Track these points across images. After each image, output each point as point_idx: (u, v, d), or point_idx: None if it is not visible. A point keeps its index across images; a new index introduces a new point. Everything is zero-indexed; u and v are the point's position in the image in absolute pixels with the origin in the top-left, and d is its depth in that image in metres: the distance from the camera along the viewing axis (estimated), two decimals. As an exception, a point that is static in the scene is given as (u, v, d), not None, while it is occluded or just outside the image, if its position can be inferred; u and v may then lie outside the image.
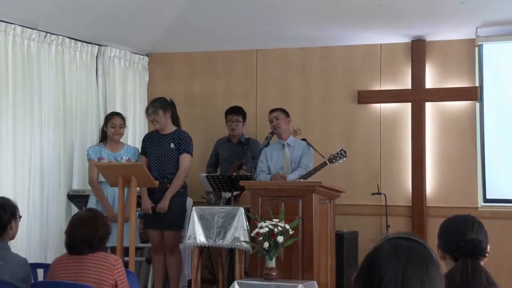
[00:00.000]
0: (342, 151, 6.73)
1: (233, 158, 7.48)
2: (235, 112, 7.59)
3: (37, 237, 6.84)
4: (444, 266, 2.89)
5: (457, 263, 2.87)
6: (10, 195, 5.70)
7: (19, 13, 6.54)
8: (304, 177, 6.61)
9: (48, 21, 6.89)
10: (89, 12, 6.88)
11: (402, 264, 1.77)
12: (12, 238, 4.50)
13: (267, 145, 6.83)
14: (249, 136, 7.78)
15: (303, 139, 7.01)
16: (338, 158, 6.70)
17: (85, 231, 4.22)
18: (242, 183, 6.46)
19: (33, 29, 6.84)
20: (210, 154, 7.72)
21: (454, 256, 2.90)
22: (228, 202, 6.91)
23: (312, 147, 6.89)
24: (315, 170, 6.68)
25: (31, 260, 4.85)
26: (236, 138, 7.59)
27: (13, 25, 6.61)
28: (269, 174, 6.82)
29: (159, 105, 6.85)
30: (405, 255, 1.79)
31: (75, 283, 4.05)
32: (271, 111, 7.04)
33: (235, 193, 6.83)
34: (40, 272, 4.97)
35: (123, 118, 7.05)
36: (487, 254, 2.94)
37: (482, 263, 2.89)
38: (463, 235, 2.91)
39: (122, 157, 6.89)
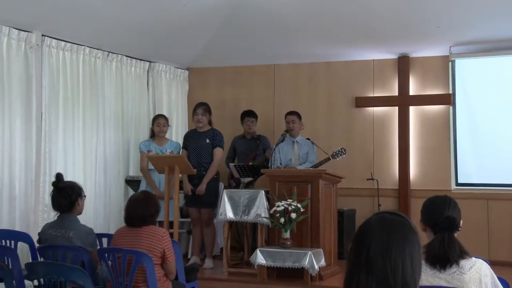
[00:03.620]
0: (343, 149, 6.70)
1: (248, 151, 7.47)
2: (250, 114, 7.59)
3: (102, 213, 6.89)
4: (425, 237, 2.87)
5: (436, 235, 2.85)
6: (80, 180, 5.78)
7: (88, 37, 6.59)
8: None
9: (110, 43, 6.93)
10: (142, 36, 6.91)
11: (386, 232, 1.76)
12: (80, 213, 4.51)
13: (282, 140, 6.82)
14: (268, 133, 7.78)
15: (308, 139, 7.00)
16: (339, 155, 6.68)
17: (139, 208, 4.24)
18: (263, 171, 6.46)
19: (98, 49, 6.89)
20: (229, 149, 7.68)
21: (433, 230, 2.89)
22: (246, 186, 6.92)
23: (316, 145, 6.89)
24: (320, 163, 6.67)
25: (97, 231, 4.88)
26: (250, 135, 7.58)
27: (83, 47, 6.65)
28: (280, 164, 6.82)
29: (207, 108, 6.89)
30: (388, 225, 1.78)
31: (132, 249, 4.08)
32: (289, 114, 7.01)
33: (249, 179, 6.84)
34: (104, 240, 5.01)
35: (166, 119, 7.07)
36: (460, 228, 2.92)
37: (456, 235, 2.87)
38: (441, 212, 2.89)
39: (166, 150, 6.91)
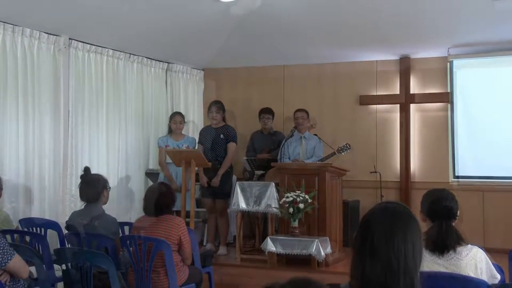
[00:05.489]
0: (347, 144, 6.68)
1: (264, 145, 7.48)
2: (266, 111, 7.58)
3: (124, 203, 6.92)
4: (425, 227, 2.88)
5: (434, 223, 2.86)
6: (104, 172, 5.82)
7: (111, 40, 6.62)
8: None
9: (131, 45, 6.96)
10: (160, 39, 6.93)
11: (389, 220, 1.78)
12: (105, 203, 4.55)
13: (291, 136, 6.82)
14: (278, 129, 7.78)
15: (315, 134, 6.98)
16: (344, 150, 6.66)
17: (156, 199, 4.26)
18: (273, 164, 6.47)
19: (120, 51, 6.91)
20: (248, 143, 7.70)
21: (432, 219, 2.89)
22: (259, 178, 6.93)
23: (323, 140, 6.87)
24: (327, 157, 6.66)
25: (119, 219, 4.91)
26: (267, 130, 7.58)
27: (106, 49, 6.68)
28: (289, 159, 6.81)
29: (220, 106, 6.89)
30: (391, 214, 1.80)
31: (152, 237, 4.10)
32: (297, 110, 7.00)
33: (261, 172, 6.85)
34: (126, 228, 5.05)
35: (182, 116, 7.07)
36: (457, 217, 2.93)
37: (453, 224, 2.87)
38: (440, 203, 2.90)
39: (182, 145, 6.91)
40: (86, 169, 4.56)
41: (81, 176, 4.53)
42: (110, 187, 4.58)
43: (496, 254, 3.10)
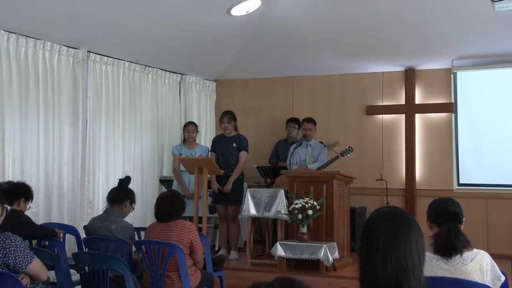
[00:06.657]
0: (350, 148, 6.63)
1: (287, 154, 7.34)
2: (293, 121, 7.47)
3: (139, 209, 6.87)
4: (431, 233, 2.85)
5: (442, 226, 2.83)
6: (120, 179, 5.80)
7: (127, 53, 6.66)
8: (322, 167, 6.58)
9: (147, 58, 6.99)
10: (174, 51, 6.95)
11: (391, 222, 1.77)
12: (124, 215, 4.58)
13: (300, 145, 6.81)
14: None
15: (321, 142, 6.95)
16: (347, 153, 6.60)
17: (165, 205, 4.26)
18: (283, 172, 6.44)
19: (136, 63, 6.95)
20: (272, 151, 7.60)
21: (439, 224, 2.86)
22: (268, 186, 6.89)
23: (327, 147, 6.83)
24: (330, 162, 6.62)
25: (135, 225, 4.92)
26: (291, 139, 7.44)
27: (123, 61, 6.72)
28: (296, 164, 6.79)
29: (231, 117, 6.87)
30: (392, 216, 1.80)
31: (166, 242, 4.10)
32: (307, 121, 6.93)
33: (271, 180, 6.80)
34: (142, 233, 5.04)
35: (195, 125, 7.07)
36: (463, 221, 2.91)
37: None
38: (446, 208, 2.90)
39: (196, 153, 6.92)
40: (128, 178, 4.64)
41: (120, 179, 4.60)
42: (134, 208, 4.61)
43: (500, 260, 3.08)
